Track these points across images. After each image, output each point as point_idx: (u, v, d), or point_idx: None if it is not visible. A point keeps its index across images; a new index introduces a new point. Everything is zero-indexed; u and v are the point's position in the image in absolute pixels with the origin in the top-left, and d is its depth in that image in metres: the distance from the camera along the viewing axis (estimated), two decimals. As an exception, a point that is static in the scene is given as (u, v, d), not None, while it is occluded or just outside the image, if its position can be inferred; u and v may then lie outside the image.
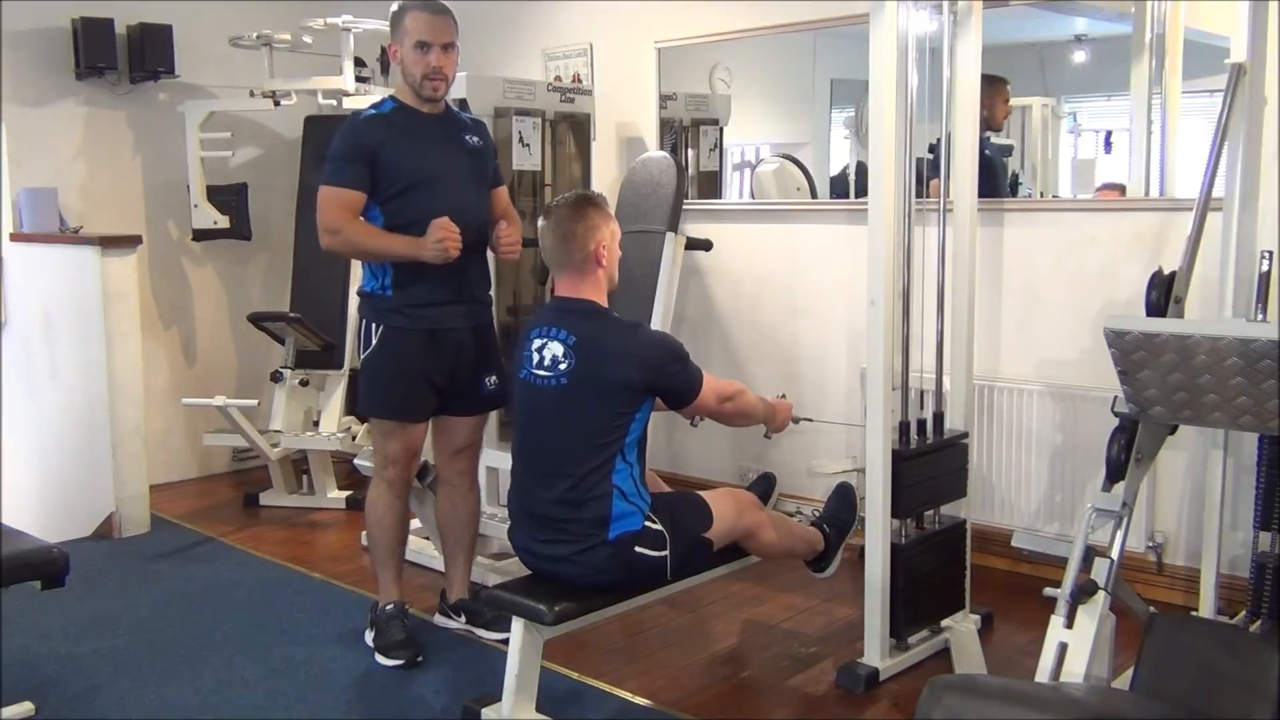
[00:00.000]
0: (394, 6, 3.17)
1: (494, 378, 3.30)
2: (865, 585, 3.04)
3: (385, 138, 3.10)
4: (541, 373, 2.71)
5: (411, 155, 3.11)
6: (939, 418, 3.24)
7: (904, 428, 3.11)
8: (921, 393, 3.23)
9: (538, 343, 2.74)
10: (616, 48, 4.88)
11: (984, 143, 3.68)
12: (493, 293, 3.41)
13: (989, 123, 3.84)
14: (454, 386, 3.23)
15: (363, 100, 4.53)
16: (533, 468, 2.78)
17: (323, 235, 3.13)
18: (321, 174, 3.16)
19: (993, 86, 3.73)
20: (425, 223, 3.08)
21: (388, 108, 3.17)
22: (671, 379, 2.73)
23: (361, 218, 3.12)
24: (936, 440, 3.20)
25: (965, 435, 3.28)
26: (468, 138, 3.24)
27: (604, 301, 2.80)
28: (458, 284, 3.18)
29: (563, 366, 2.68)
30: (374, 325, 3.19)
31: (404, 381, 3.18)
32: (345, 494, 4.89)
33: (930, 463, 3.14)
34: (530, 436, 2.80)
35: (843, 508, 3.22)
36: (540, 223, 2.85)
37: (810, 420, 3.39)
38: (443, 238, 3.04)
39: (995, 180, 4.04)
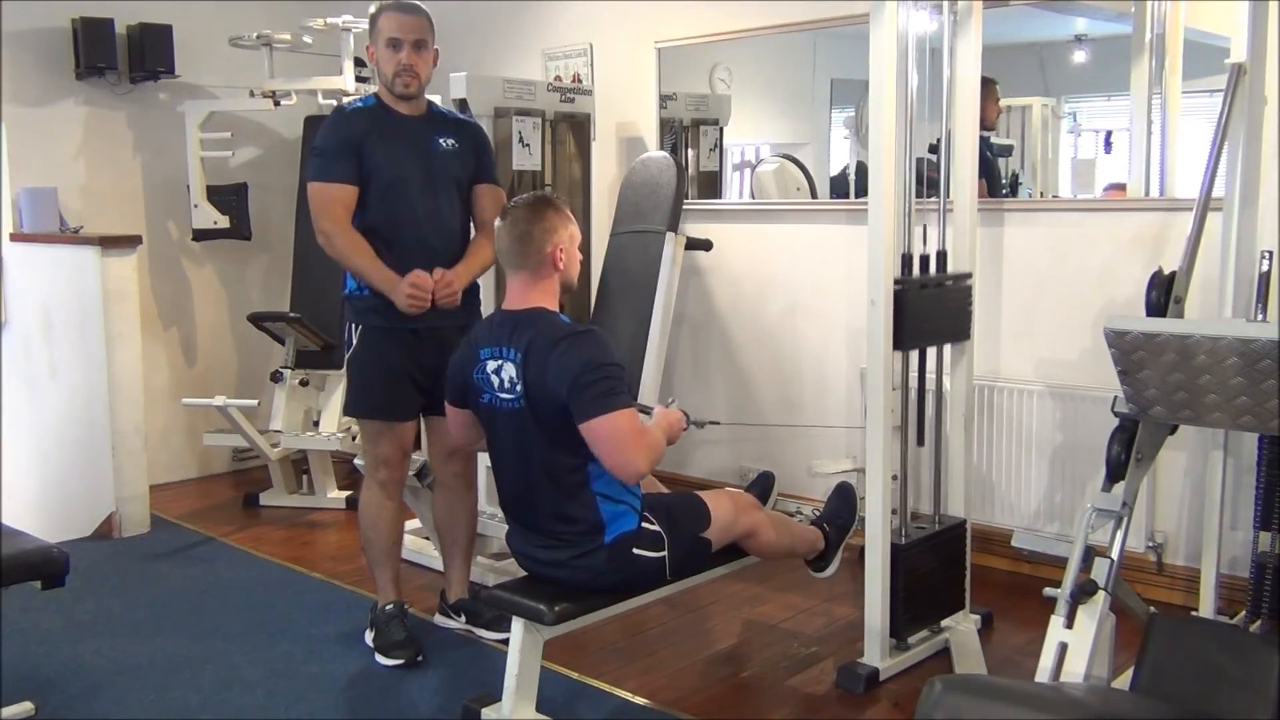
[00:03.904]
0: (371, 8, 3.20)
1: None
2: (865, 585, 3.04)
3: (368, 130, 3.12)
4: (505, 395, 2.64)
5: (387, 156, 3.12)
6: (942, 256, 3.19)
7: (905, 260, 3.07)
8: (925, 229, 3.14)
9: (492, 364, 2.66)
10: (616, 48, 4.88)
11: (984, 142, 3.68)
12: (481, 295, 3.40)
13: (981, 122, 3.84)
14: (440, 386, 3.21)
15: (362, 100, 4.53)
16: (513, 489, 2.75)
17: (319, 235, 3.13)
18: (310, 169, 3.16)
19: (982, 87, 3.73)
20: (392, 226, 3.11)
21: (371, 102, 3.19)
22: (583, 390, 2.48)
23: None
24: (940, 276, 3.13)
25: (969, 275, 3.25)
26: (442, 140, 3.21)
27: (554, 306, 2.72)
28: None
29: (519, 388, 2.61)
30: (354, 325, 3.21)
31: (386, 380, 3.17)
32: (345, 494, 4.89)
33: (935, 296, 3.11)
34: (504, 460, 2.75)
35: (843, 508, 3.22)
36: (497, 223, 2.81)
37: (717, 423, 3.39)
38: (412, 295, 3.05)
39: (991, 180, 4.05)
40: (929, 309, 3.09)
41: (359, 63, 4.90)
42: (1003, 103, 4.21)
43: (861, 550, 3.07)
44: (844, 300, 4.22)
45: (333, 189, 3.09)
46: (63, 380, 4.52)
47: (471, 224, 3.32)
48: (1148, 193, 3.71)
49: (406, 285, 3.05)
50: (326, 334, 4.71)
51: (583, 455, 2.58)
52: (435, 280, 3.10)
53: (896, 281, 2.95)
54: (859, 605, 3.13)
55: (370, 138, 3.11)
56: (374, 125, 3.13)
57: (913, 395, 3.18)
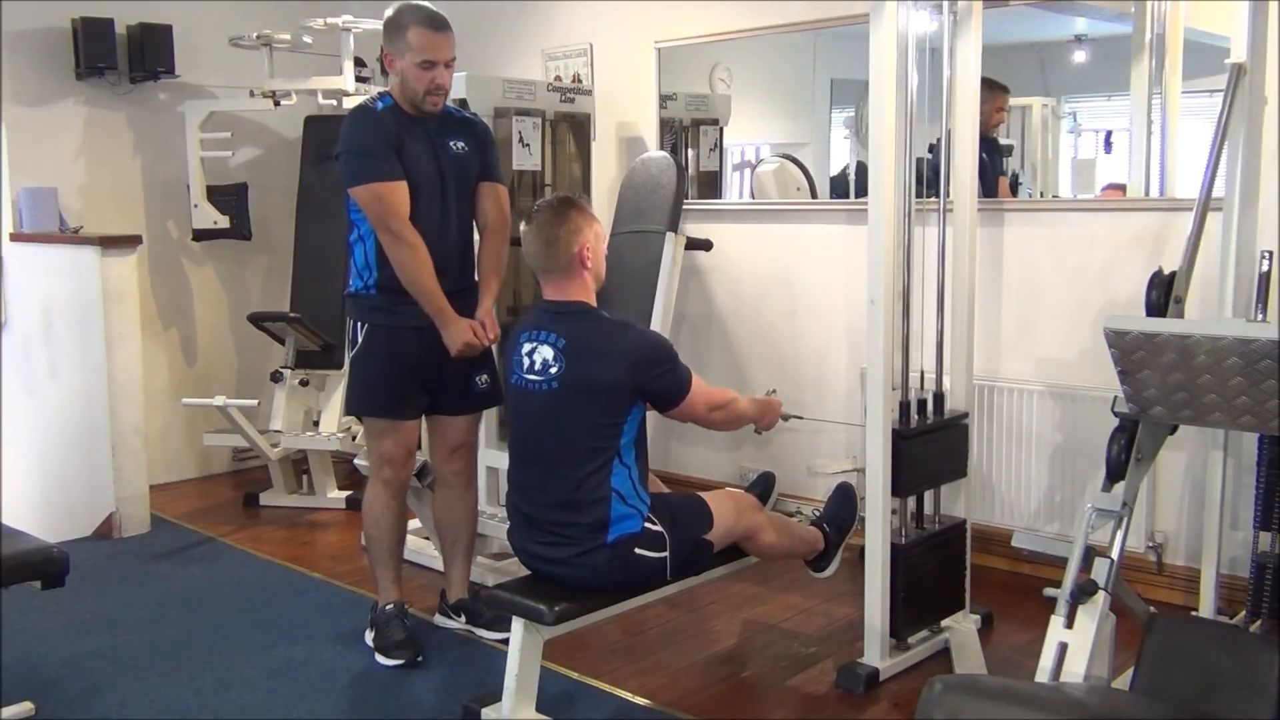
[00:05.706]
0: (389, 12, 3.14)
1: (485, 376, 3.29)
2: (865, 585, 3.04)
3: (398, 132, 3.09)
4: (533, 377, 2.70)
5: (409, 160, 3.10)
6: (939, 399, 3.23)
7: (904, 408, 3.10)
8: (922, 374, 3.22)
9: (527, 346, 2.73)
10: (616, 48, 4.88)
11: (992, 144, 3.66)
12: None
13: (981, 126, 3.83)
14: (444, 385, 3.22)
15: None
16: (529, 472, 2.77)
17: (386, 235, 3.04)
18: (357, 171, 3.06)
19: (990, 92, 3.70)
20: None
21: (389, 103, 3.14)
22: (658, 380, 2.69)
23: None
24: (937, 420, 3.18)
25: (965, 415, 3.27)
26: (453, 144, 3.19)
27: (592, 301, 2.78)
28: (443, 283, 3.17)
29: (553, 370, 2.67)
30: (359, 324, 3.20)
31: (391, 378, 3.17)
32: (345, 494, 4.89)
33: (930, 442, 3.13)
34: (525, 441, 2.79)
35: (843, 508, 3.22)
36: (523, 227, 2.83)
37: (800, 418, 3.39)
38: (470, 345, 3.10)
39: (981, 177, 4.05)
40: (927, 454, 3.12)
41: (359, 63, 4.91)
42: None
43: (861, 550, 3.07)
44: (844, 300, 4.22)
45: (392, 187, 3.03)
46: (62, 380, 4.52)
47: (475, 225, 3.32)
48: (1148, 193, 3.71)
49: (467, 332, 3.09)
50: (326, 334, 4.71)
51: (612, 445, 2.64)
52: (481, 324, 3.19)
53: (895, 432, 2.99)
54: (859, 605, 3.13)
55: (400, 139, 3.08)
56: (399, 127, 3.10)
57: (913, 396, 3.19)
